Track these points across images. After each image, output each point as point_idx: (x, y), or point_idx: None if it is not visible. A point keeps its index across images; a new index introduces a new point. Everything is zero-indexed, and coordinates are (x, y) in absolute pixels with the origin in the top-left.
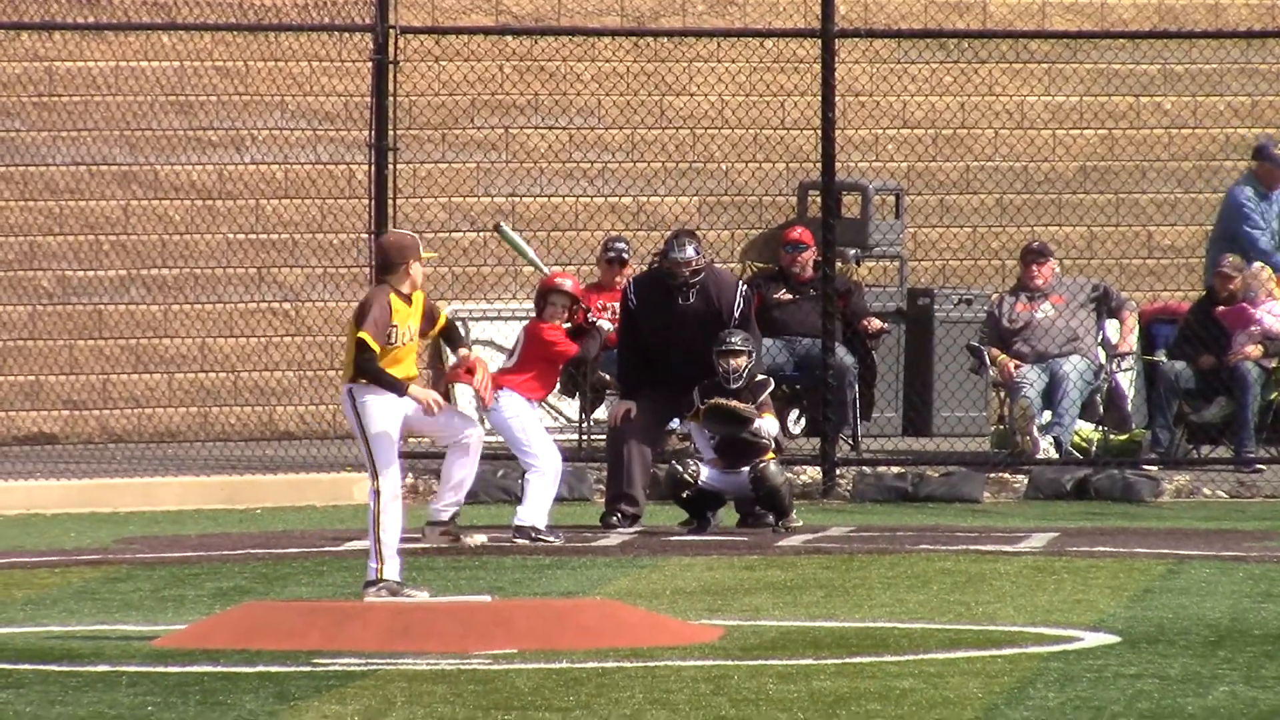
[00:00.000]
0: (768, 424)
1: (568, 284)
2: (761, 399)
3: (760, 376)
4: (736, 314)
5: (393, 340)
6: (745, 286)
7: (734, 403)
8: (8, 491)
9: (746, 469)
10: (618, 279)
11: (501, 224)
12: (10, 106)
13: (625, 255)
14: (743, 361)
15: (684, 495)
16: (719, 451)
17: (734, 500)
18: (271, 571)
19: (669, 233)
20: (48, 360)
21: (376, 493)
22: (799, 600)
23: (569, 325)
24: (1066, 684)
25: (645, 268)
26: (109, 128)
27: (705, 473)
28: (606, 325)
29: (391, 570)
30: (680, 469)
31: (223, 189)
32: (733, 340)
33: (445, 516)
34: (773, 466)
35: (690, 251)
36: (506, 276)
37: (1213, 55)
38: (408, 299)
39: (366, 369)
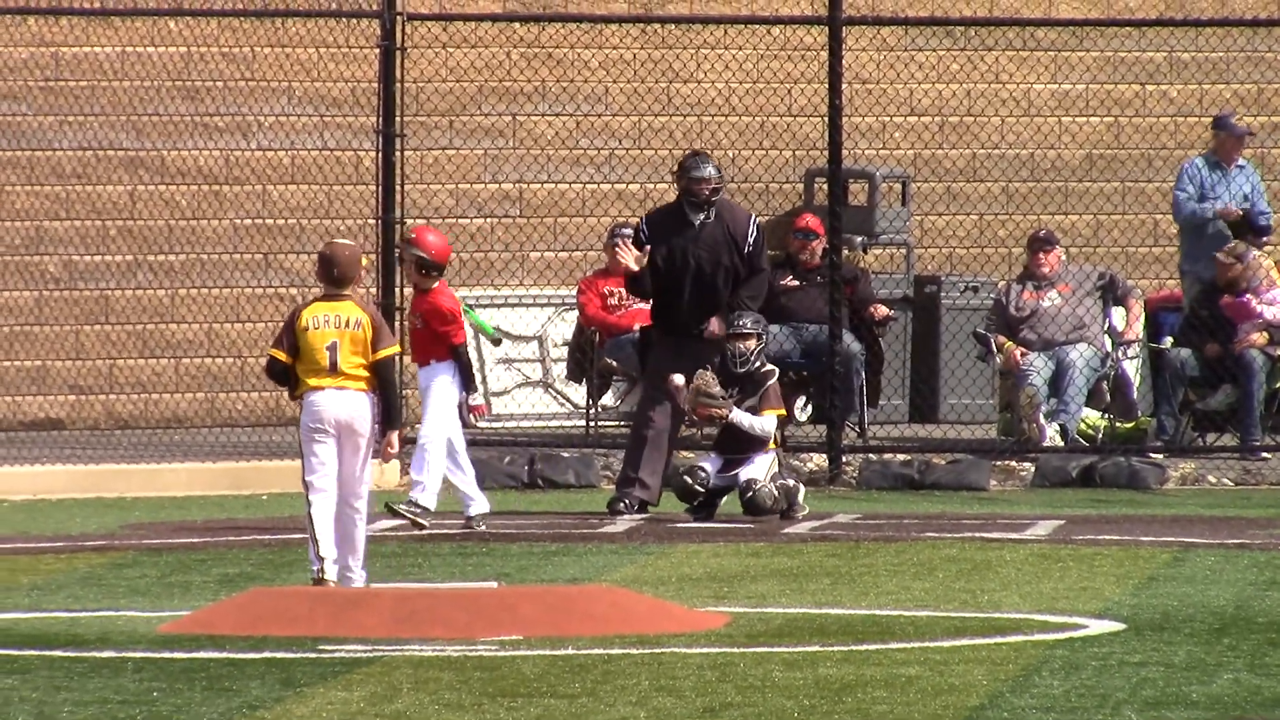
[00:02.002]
0: (762, 422)
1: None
2: (763, 391)
3: (766, 368)
4: (750, 239)
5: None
6: (755, 217)
7: (710, 407)
8: (14, 477)
9: (744, 459)
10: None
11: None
12: (17, 91)
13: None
14: (752, 344)
15: (694, 503)
16: (718, 446)
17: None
18: (277, 558)
19: (686, 153)
20: (54, 345)
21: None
22: (805, 587)
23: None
24: (1071, 671)
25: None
26: (115, 113)
27: (714, 477)
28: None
29: None
30: (689, 479)
31: (229, 174)
32: (743, 322)
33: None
34: (763, 491)
35: (710, 170)
36: (514, 263)
37: (1219, 43)
38: None
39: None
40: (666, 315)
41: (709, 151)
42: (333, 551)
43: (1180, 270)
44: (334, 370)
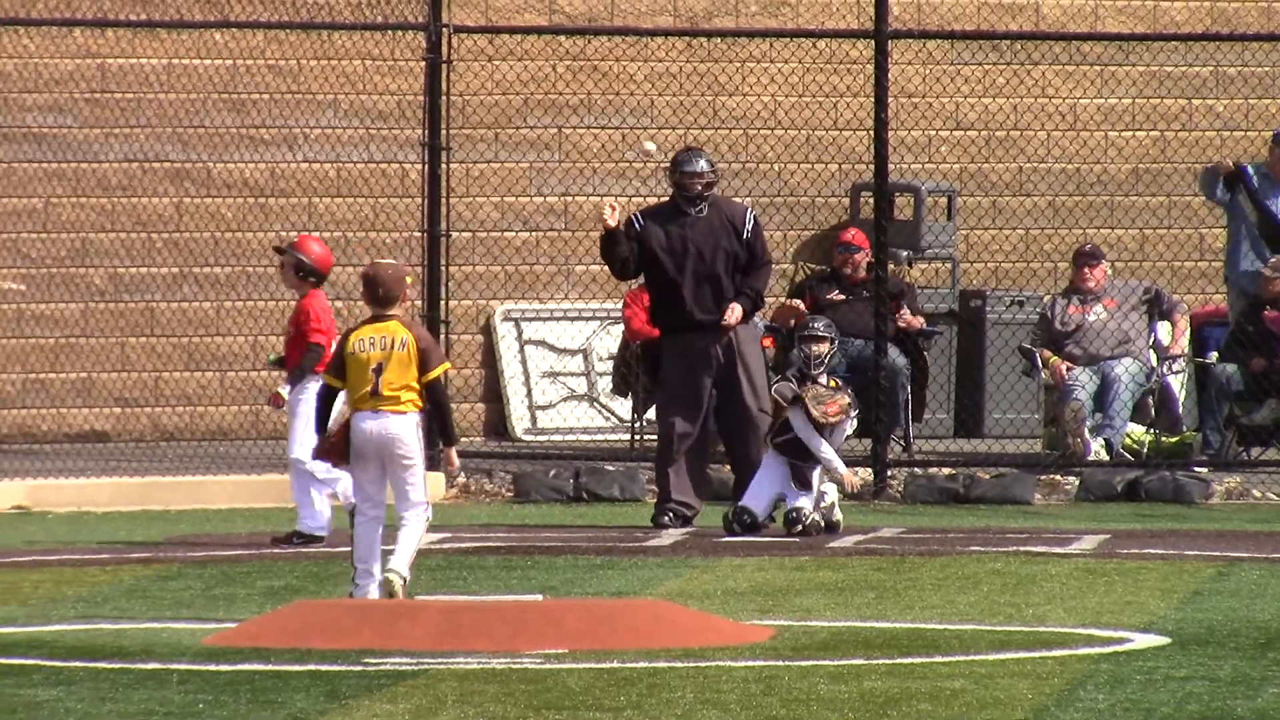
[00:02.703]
0: (834, 458)
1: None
2: (845, 399)
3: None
4: (748, 227)
5: None
6: (752, 210)
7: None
8: (59, 489)
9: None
10: None
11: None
12: (63, 103)
13: None
14: (825, 348)
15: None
16: (781, 448)
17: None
18: (322, 570)
19: (680, 149)
20: (100, 358)
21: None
22: (850, 601)
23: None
24: (1116, 686)
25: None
26: (161, 125)
27: (760, 511)
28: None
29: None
30: (737, 527)
31: (275, 187)
32: (815, 326)
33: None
34: (810, 524)
35: (703, 164)
36: (559, 276)
37: (1265, 58)
38: None
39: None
40: (669, 309)
41: (754, 165)
42: (371, 577)
43: (1225, 279)
44: (375, 393)
